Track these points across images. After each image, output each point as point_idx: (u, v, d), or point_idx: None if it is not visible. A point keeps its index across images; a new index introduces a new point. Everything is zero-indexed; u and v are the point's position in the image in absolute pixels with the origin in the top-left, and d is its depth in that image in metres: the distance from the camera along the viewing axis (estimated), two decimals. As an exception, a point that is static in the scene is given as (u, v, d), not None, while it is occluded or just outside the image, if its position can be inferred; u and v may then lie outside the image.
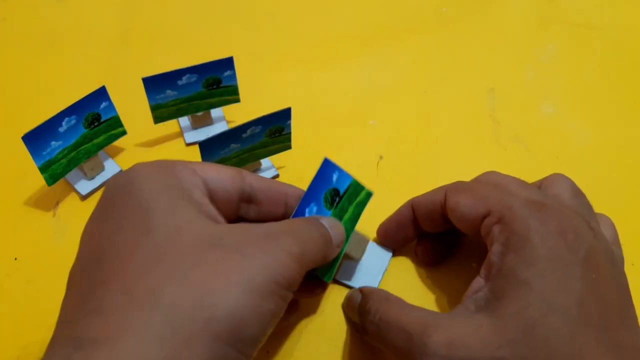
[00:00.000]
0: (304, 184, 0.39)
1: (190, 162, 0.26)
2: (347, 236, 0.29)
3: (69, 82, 0.46)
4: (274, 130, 0.35)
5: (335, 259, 0.28)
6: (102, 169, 0.38)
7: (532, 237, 0.24)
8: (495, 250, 0.25)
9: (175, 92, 0.37)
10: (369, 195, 0.30)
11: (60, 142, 0.34)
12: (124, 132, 0.38)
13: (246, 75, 0.40)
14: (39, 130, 0.32)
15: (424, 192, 0.38)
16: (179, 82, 0.37)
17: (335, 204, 0.29)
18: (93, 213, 0.24)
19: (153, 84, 0.36)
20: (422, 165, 0.39)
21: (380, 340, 0.26)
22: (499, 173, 0.30)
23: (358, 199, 0.30)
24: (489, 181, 0.29)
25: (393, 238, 0.33)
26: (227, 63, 0.37)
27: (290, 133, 0.36)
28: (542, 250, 0.23)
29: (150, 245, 0.21)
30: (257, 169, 0.38)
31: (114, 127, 0.37)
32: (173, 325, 0.19)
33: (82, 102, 0.34)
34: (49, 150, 0.33)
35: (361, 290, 0.29)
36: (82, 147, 0.36)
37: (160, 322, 0.19)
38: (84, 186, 0.37)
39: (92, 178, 0.37)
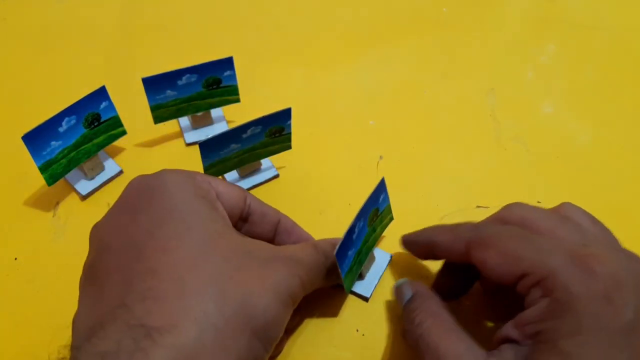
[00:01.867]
0: (303, 184, 0.39)
1: (205, 176, 0.28)
2: (367, 254, 0.31)
3: (69, 82, 0.46)
4: (274, 130, 0.35)
5: (354, 274, 0.29)
6: (102, 169, 0.38)
7: (576, 305, 0.22)
8: (534, 312, 0.23)
9: (175, 92, 0.37)
10: (391, 220, 0.33)
11: (60, 142, 0.34)
12: (124, 132, 0.38)
13: (246, 75, 0.40)
14: (39, 130, 0.32)
15: (423, 191, 0.38)
16: (179, 82, 0.37)
17: (372, 223, 0.30)
18: (116, 208, 0.26)
19: (153, 84, 0.36)
20: (422, 165, 0.39)
21: (416, 352, 0.26)
22: (521, 206, 0.27)
23: (385, 221, 0.32)
24: (513, 219, 0.27)
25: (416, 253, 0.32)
26: (227, 63, 0.37)
27: (290, 133, 0.36)
28: (586, 320, 0.22)
29: (195, 241, 0.23)
30: (257, 169, 0.37)
31: (114, 127, 0.37)
32: (224, 316, 0.22)
33: (82, 102, 0.34)
34: (49, 150, 0.33)
35: (414, 290, 0.28)
36: (82, 147, 0.36)
37: (213, 312, 0.21)
38: (84, 186, 0.37)
39: (92, 178, 0.37)
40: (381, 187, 0.30)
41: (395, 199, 0.34)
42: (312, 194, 0.37)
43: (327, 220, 0.35)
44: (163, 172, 0.27)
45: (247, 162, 0.36)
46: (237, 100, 0.40)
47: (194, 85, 0.37)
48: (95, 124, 0.36)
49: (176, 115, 0.38)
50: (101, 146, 0.37)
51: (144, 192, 0.26)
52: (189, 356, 0.20)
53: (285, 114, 0.34)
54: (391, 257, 0.33)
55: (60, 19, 0.52)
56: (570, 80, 0.46)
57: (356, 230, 0.28)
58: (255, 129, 0.34)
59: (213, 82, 0.38)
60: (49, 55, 0.48)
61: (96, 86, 0.35)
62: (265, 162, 0.38)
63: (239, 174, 0.37)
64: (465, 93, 0.45)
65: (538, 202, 0.37)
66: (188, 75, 0.37)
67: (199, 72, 0.37)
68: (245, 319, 0.22)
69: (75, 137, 0.35)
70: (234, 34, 0.51)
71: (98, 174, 0.37)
